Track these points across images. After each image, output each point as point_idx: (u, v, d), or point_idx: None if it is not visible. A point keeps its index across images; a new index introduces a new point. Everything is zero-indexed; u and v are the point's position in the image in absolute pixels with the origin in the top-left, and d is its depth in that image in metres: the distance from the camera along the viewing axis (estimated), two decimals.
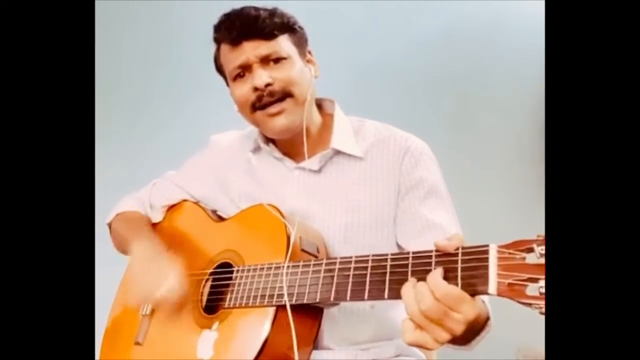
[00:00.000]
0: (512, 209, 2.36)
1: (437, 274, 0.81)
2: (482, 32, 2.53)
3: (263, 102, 1.16)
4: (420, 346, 0.84)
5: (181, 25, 2.35)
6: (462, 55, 2.50)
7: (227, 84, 1.25)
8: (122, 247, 1.32)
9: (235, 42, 1.16)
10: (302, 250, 1.08)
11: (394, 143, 1.22)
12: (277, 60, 1.16)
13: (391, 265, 0.88)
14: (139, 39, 2.36)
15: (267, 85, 1.15)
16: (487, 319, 0.92)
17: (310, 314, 1.04)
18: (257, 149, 1.29)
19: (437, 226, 1.13)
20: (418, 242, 1.13)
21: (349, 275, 0.94)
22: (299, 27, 1.22)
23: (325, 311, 1.08)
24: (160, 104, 2.34)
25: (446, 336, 0.80)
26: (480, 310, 0.86)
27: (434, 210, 1.16)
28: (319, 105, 1.28)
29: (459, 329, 0.80)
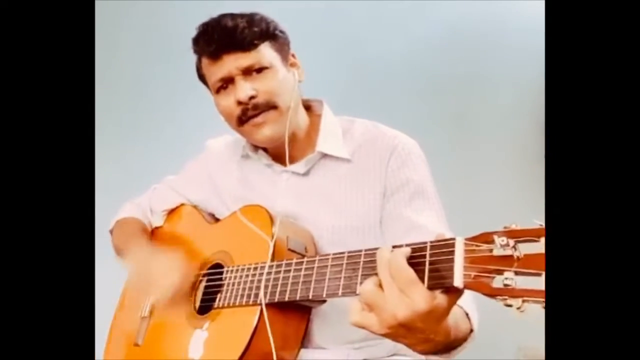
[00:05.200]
0: (512, 209, 2.31)
1: (400, 252, 0.79)
2: (482, 32, 2.53)
3: (248, 115, 1.15)
4: (365, 328, 0.82)
5: (181, 28, 2.35)
6: (462, 56, 2.50)
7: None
8: (120, 256, 1.33)
9: (215, 56, 1.14)
10: (289, 249, 1.08)
11: (380, 143, 1.19)
12: (260, 70, 1.14)
13: (364, 261, 0.88)
14: (138, 40, 2.37)
15: (251, 98, 1.13)
16: (471, 330, 0.91)
17: (296, 313, 1.05)
18: (245, 156, 1.29)
19: (422, 228, 1.09)
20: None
21: (325, 272, 0.94)
22: (280, 31, 1.19)
23: (317, 310, 1.08)
24: (160, 106, 2.35)
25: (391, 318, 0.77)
26: (458, 319, 0.86)
27: (420, 212, 1.13)
28: (308, 106, 1.27)
29: (404, 314, 0.76)
